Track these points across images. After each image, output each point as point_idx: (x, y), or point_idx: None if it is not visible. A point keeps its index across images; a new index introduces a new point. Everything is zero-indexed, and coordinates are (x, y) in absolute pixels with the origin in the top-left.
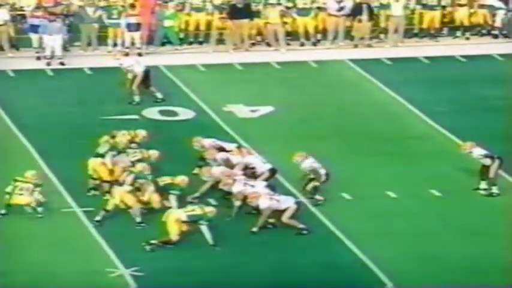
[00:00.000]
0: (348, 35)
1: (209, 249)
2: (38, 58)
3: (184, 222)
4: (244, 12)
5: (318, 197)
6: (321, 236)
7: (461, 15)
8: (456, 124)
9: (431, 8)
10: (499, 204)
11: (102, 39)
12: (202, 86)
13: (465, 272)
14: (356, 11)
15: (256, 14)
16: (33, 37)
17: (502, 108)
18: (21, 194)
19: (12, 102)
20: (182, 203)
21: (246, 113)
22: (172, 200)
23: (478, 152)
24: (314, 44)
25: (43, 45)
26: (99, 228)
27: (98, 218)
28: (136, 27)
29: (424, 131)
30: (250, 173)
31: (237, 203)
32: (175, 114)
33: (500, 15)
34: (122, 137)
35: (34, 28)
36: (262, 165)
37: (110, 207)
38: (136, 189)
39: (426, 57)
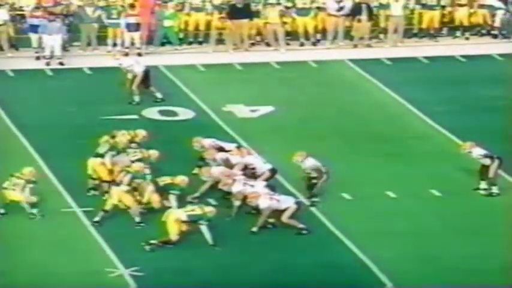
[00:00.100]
0: (348, 35)
1: (209, 249)
2: (38, 58)
3: (184, 222)
4: (244, 12)
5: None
6: (320, 236)
7: (460, 15)
8: (456, 124)
9: (431, 8)
10: (499, 204)
11: (101, 39)
12: (202, 86)
13: (465, 272)
14: (355, 11)
15: (256, 14)
16: (33, 37)
17: (501, 108)
18: (13, 190)
19: (12, 102)
20: (182, 203)
21: (245, 113)
22: (172, 200)
23: (477, 152)
24: (314, 44)
25: (42, 45)
26: (98, 228)
27: (96, 218)
28: (136, 27)
29: (424, 131)
30: (250, 173)
31: (237, 203)
32: (175, 114)
33: (500, 15)
34: (122, 137)
35: (33, 28)
36: (262, 165)
37: (108, 207)
38: (134, 189)
39: (426, 57)
